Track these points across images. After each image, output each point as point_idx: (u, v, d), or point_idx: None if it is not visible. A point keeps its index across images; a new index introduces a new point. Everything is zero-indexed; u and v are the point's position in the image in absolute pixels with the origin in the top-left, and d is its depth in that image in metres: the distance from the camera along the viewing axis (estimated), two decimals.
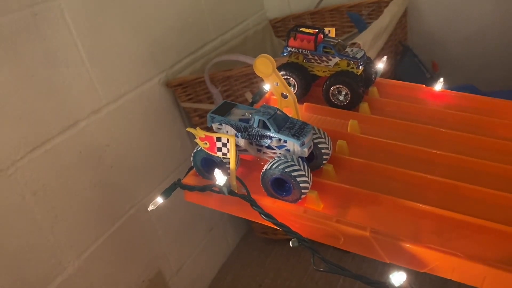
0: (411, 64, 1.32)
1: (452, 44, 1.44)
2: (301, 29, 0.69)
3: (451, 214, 0.49)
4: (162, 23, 1.14)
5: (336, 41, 0.68)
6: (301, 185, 0.51)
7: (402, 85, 0.74)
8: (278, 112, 0.55)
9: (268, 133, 0.54)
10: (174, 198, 0.56)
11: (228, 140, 0.51)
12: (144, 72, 1.09)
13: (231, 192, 0.52)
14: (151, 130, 1.13)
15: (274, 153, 0.55)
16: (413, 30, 1.44)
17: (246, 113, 0.57)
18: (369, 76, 0.71)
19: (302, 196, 0.52)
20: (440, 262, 0.45)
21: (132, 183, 1.08)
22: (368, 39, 1.01)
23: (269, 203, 0.53)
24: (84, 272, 0.96)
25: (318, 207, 0.53)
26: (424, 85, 0.73)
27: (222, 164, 0.55)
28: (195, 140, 0.53)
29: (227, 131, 0.57)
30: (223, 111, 0.58)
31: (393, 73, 1.29)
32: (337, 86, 0.67)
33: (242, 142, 0.56)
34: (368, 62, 0.70)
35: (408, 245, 0.46)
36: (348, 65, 0.67)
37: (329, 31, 0.71)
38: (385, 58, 0.76)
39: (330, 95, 0.68)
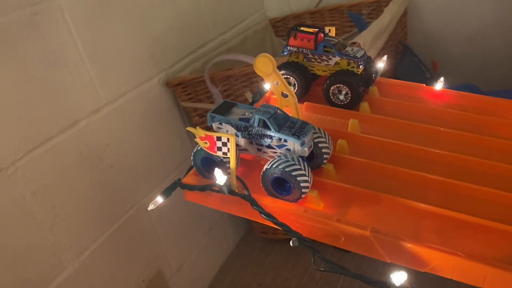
0: (411, 63, 1.32)
1: (452, 43, 1.44)
2: (302, 28, 0.69)
3: (451, 213, 0.49)
4: (162, 22, 1.14)
5: (337, 41, 0.68)
6: (302, 184, 0.51)
7: (402, 85, 0.74)
8: (278, 111, 0.55)
9: (269, 133, 0.54)
10: (174, 197, 0.56)
11: (228, 139, 0.51)
12: (144, 72, 1.09)
13: (231, 192, 0.52)
14: (151, 129, 1.13)
15: (275, 152, 0.55)
16: (413, 29, 1.44)
17: (246, 113, 0.57)
18: (370, 76, 0.71)
19: (303, 196, 0.52)
20: (440, 262, 0.45)
21: (132, 183, 1.07)
22: (368, 39, 1.01)
23: (270, 203, 0.53)
24: (84, 272, 0.96)
25: (319, 206, 0.53)
26: (424, 85, 0.73)
27: (222, 163, 0.55)
28: (195, 139, 0.53)
29: (227, 131, 0.57)
30: (223, 110, 0.58)
31: (393, 72, 1.29)
32: (338, 85, 0.67)
33: (242, 141, 0.56)
34: (369, 62, 0.70)
35: (408, 245, 0.46)
36: (349, 64, 0.67)
37: (329, 30, 0.71)
38: (385, 57, 0.76)
39: (331, 94, 0.68)
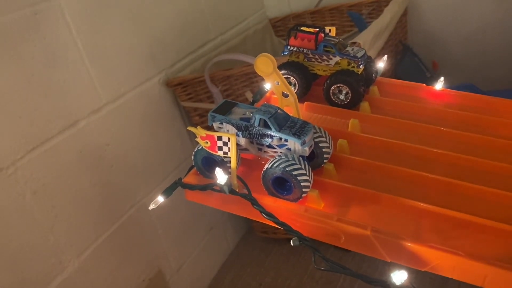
0: (411, 63, 1.33)
1: (452, 43, 1.44)
2: (302, 28, 0.69)
3: (451, 212, 0.49)
4: (162, 22, 1.14)
5: (337, 40, 0.68)
6: (302, 184, 0.51)
7: (402, 84, 0.74)
8: (279, 111, 0.55)
9: (269, 132, 0.54)
10: (174, 197, 0.56)
11: (229, 139, 0.51)
12: (144, 72, 1.09)
13: (232, 191, 0.52)
14: (151, 129, 1.13)
15: (275, 152, 0.55)
16: (413, 29, 1.44)
17: (247, 112, 0.57)
18: (370, 75, 0.71)
19: (303, 195, 0.52)
20: (441, 261, 0.45)
21: (132, 183, 1.08)
22: (369, 38, 1.01)
23: (270, 202, 0.53)
24: (84, 272, 0.96)
25: (319, 206, 0.53)
26: (424, 84, 0.73)
27: (223, 163, 0.55)
28: (196, 139, 0.53)
29: (228, 130, 0.57)
30: (224, 110, 0.58)
31: (393, 72, 1.30)
32: (338, 85, 0.67)
33: (243, 141, 0.56)
34: (369, 61, 0.70)
35: (409, 244, 0.46)
36: (349, 64, 0.67)
37: (330, 30, 0.71)
38: (385, 57, 0.76)
39: (331, 94, 0.68)
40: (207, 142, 0.53)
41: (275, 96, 0.65)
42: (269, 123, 0.53)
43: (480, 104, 0.69)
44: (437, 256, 0.45)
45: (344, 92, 0.67)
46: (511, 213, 0.50)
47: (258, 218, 0.53)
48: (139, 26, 1.07)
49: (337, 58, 0.67)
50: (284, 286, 1.29)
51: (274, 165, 0.52)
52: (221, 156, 0.54)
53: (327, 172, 0.57)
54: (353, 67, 0.67)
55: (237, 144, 0.54)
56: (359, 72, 0.67)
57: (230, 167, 0.53)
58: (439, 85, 0.71)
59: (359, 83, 0.66)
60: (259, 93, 0.71)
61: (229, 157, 0.52)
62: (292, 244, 0.49)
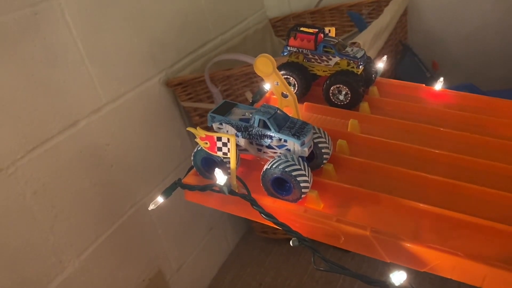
0: (411, 63, 1.33)
1: (452, 43, 1.44)
2: (302, 28, 0.69)
3: (451, 213, 0.49)
4: (162, 22, 1.14)
5: (336, 41, 0.68)
6: (302, 184, 0.51)
7: (402, 85, 0.74)
8: (278, 111, 0.55)
9: (269, 133, 0.54)
10: (174, 197, 0.56)
11: (228, 139, 0.51)
12: (144, 71, 1.09)
13: (231, 192, 0.52)
14: (151, 129, 1.13)
15: (275, 152, 0.55)
16: (413, 29, 1.44)
17: (247, 113, 0.57)
18: (369, 76, 0.71)
19: (303, 196, 0.52)
20: (440, 261, 0.46)
21: (132, 183, 1.08)
22: (368, 39, 1.01)
23: (270, 203, 0.53)
24: (84, 271, 0.96)
25: (319, 206, 0.53)
26: (424, 85, 0.73)
27: (222, 163, 0.55)
28: (195, 139, 0.54)
29: (227, 131, 0.57)
30: (224, 110, 0.58)
31: (393, 72, 1.29)
32: (337, 85, 0.67)
33: (242, 141, 0.56)
34: (368, 62, 0.70)
35: (408, 244, 0.46)
36: (348, 64, 0.67)
37: (329, 30, 0.71)
38: (385, 57, 0.76)
39: (330, 94, 0.68)
40: (206, 143, 0.53)
41: (274, 96, 0.66)
42: (269, 124, 0.53)
43: (480, 104, 0.69)
44: (437, 257, 0.45)
45: (343, 92, 0.67)
46: (511, 213, 0.50)
47: (257, 219, 0.53)
48: (139, 26, 1.07)
49: (337, 59, 0.67)
50: (284, 286, 1.29)
51: (274, 166, 0.52)
52: (220, 157, 0.54)
53: (327, 172, 0.57)
54: (353, 67, 0.67)
55: (237, 145, 0.54)
56: (359, 73, 0.67)
57: (229, 168, 0.53)
58: (439, 85, 0.71)
59: (359, 83, 0.66)
60: (259, 94, 0.71)
61: (229, 157, 0.52)
62: (291, 244, 0.49)
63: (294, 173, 0.51)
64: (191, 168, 0.60)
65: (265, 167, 0.53)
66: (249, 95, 1.09)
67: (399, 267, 0.45)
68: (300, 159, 0.52)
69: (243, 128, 0.56)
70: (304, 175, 0.51)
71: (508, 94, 0.81)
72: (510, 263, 0.43)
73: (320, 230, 0.51)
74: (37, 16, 0.85)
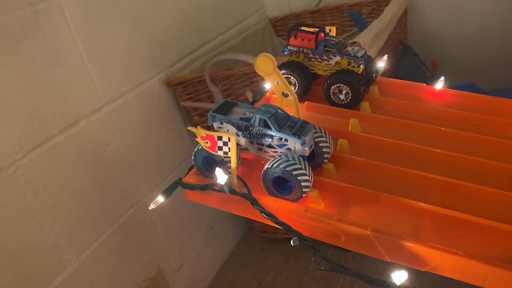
0: (411, 63, 1.33)
1: (452, 43, 1.44)
2: (302, 28, 0.69)
3: (452, 212, 0.49)
4: (162, 22, 1.14)
5: (337, 40, 0.68)
6: (302, 184, 0.51)
7: (402, 84, 0.74)
8: (279, 111, 0.55)
9: (269, 132, 0.54)
10: (174, 197, 0.56)
11: (229, 139, 0.51)
12: (144, 71, 1.09)
13: (232, 191, 0.52)
14: (151, 129, 1.13)
15: (275, 152, 0.55)
16: (413, 29, 1.44)
17: (247, 112, 0.57)
18: (370, 75, 0.71)
19: (303, 195, 0.52)
20: (441, 261, 0.45)
21: (132, 182, 1.08)
22: (369, 38, 1.01)
23: (270, 202, 0.53)
24: (84, 271, 0.96)
25: (319, 206, 0.53)
26: (424, 84, 0.73)
27: (223, 163, 0.55)
28: (196, 139, 0.53)
29: (228, 130, 0.57)
30: (224, 110, 0.58)
31: (393, 72, 1.29)
32: (338, 85, 0.67)
33: (243, 141, 0.56)
34: (369, 61, 0.70)
35: (409, 244, 0.46)
36: (349, 64, 0.67)
37: (330, 30, 0.71)
38: (385, 57, 0.76)
39: (331, 94, 0.68)
40: (207, 142, 0.53)
41: (275, 96, 0.66)
42: (269, 123, 0.53)
43: (480, 104, 0.69)
44: (437, 256, 0.45)
45: (344, 91, 0.67)
46: (511, 213, 0.50)
47: (258, 218, 0.53)
48: (139, 26, 1.07)
49: (337, 58, 0.67)
50: (284, 285, 1.29)
51: (274, 165, 0.52)
52: (221, 156, 0.54)
53: (327, 172, 0.57)
54: (353, 66, 0.67)
55: (237, 144, 0.54)
56: (359, 72, 0.67)
57: (230, 167, 0.53)
58: (439, 84, 0.71)
59: (359, 82, 0.66)
60: (259, 93, 0.71)
61: (229, 157, 0.52)
62: (292, 244, 0.49)
63: (295, 173, 0.51)
64: (192, 167, 0.60)
65: (265, 166, 0.53)
66: (249, 95, 1.09)
67: (400, 266, 0.45)
68: (301, 158, 0.52)
69: (243, 127, 0.55)
70: (305, 175, 0.51)
71: (509, 94, 0.81)
72: (511, 262, 0.43)
73: (320, 230, 0.51)
74: (37, 16, 0.84)
